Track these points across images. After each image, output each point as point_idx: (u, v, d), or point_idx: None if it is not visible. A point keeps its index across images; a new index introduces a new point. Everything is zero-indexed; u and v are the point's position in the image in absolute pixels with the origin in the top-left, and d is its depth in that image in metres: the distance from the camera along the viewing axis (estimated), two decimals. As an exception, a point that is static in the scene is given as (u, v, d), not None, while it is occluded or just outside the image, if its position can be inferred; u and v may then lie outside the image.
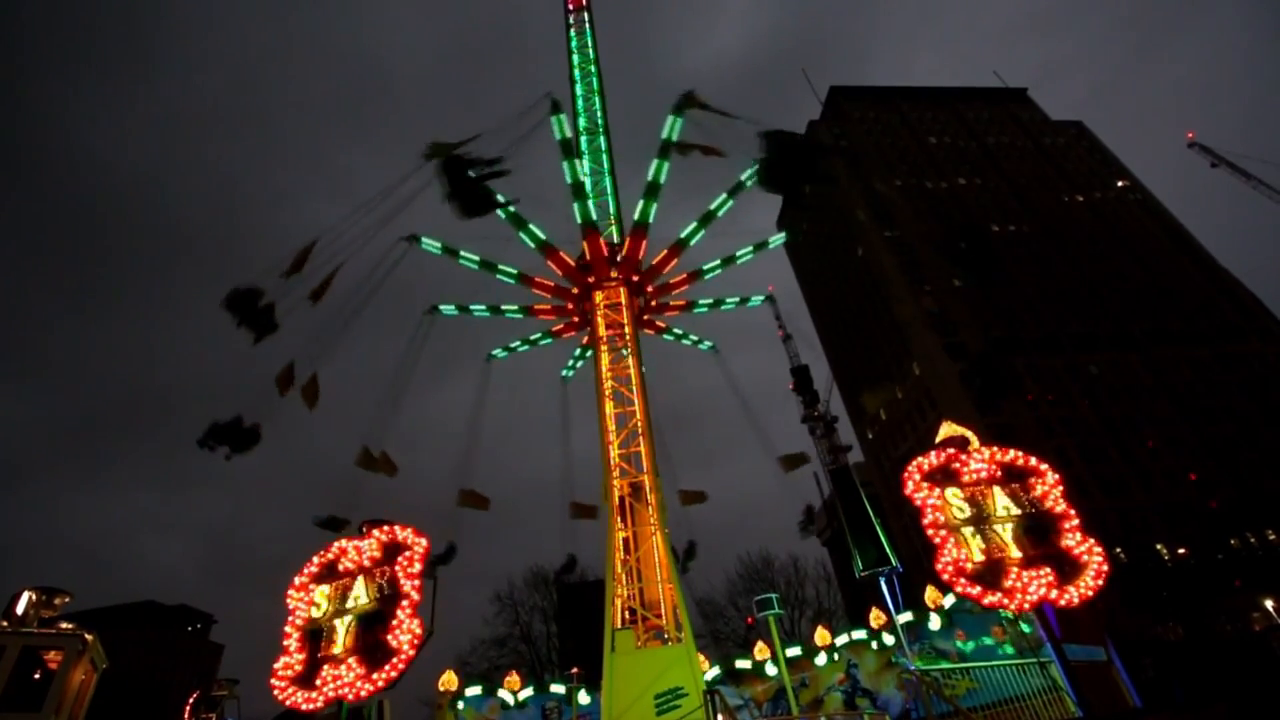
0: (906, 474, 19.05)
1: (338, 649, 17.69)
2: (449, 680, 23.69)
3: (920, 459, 19.29)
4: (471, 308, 29.81)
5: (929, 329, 78.24)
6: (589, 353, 32.21)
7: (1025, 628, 19.85)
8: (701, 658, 22.14)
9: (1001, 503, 18.26)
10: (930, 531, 17.85)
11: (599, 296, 27.92)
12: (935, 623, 20.93)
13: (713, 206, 27.44)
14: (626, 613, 21.94)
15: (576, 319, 29.89)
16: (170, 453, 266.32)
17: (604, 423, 25.13)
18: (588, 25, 34.41)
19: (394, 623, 17.59)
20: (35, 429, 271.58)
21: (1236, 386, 73.62)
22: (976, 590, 16.76)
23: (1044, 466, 18.95)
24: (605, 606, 20.85)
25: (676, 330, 32.87)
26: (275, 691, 17.29)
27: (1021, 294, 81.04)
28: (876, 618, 22.14)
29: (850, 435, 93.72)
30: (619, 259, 28.13)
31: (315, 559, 19.57)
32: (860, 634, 22.12)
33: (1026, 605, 16.60)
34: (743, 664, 23.08)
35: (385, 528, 19.52)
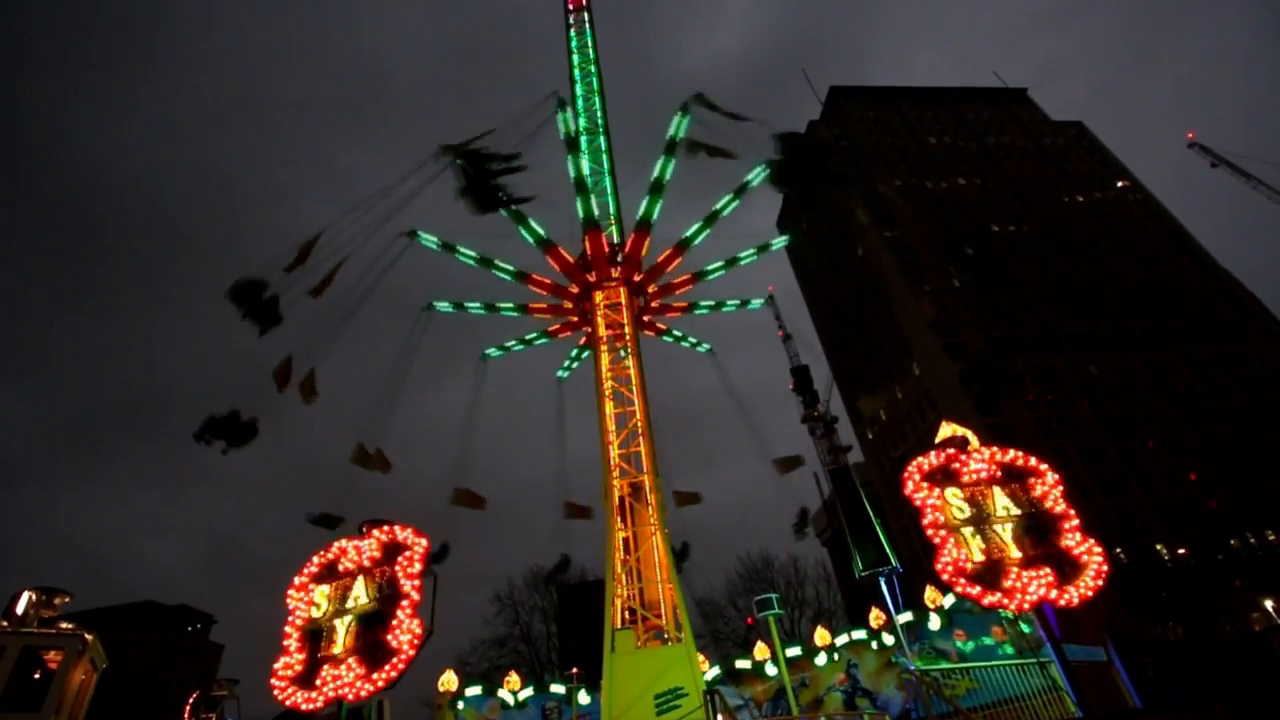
0: (906, 474, 19.05)
1: (338, 649, 17.69)
2: (449, 680, 23.69)
3: (920, 459, 19.29)
4: (467, 305, 29.81)
5: (929, 329, 78.23)
6: (585, 353, 32.23)
7: (1025, 628, 19.85)
8: (701, 658, 22.15)
9: (1001, 503, 18.26)
10: (930, 531, 17.85)
11: (599, 296, 27.92)
12: (935, 623, 20.93)
13: (717, 207, 27.46)
14: (626, 613, 21.95)
15: (575, 318, 29.89)
16: (170, 453, 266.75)
17: (604, 423, 25.14)
18: (588, 25, 34.43)
19: (394, 623, 17.59)
20: (35, 429, 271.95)
21: (1236, 386, 73.62)
22: (976, 590, 16.76)
23: (1044, 467, 18.95)
24: (605, 606, 20.86)
25: (676, 332, 32.86)
26: (275, 691, 17.29)
27: (1021, 294, 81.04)
28: (876, 618, 22.14)
29: (850, 435, 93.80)
30: (621, 257, 28.14)
31: (315, 559, 19.57)
32: (860, 634, 22.12)
33: (1026, 605, 16.60)
34: (742, 664, 23.09)
35: (385, 528, 19.53)
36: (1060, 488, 18.48)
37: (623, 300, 27.62)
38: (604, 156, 31.57)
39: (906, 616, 21.21)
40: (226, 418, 22.23)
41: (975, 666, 19.79)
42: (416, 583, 18.18)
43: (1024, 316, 79.28)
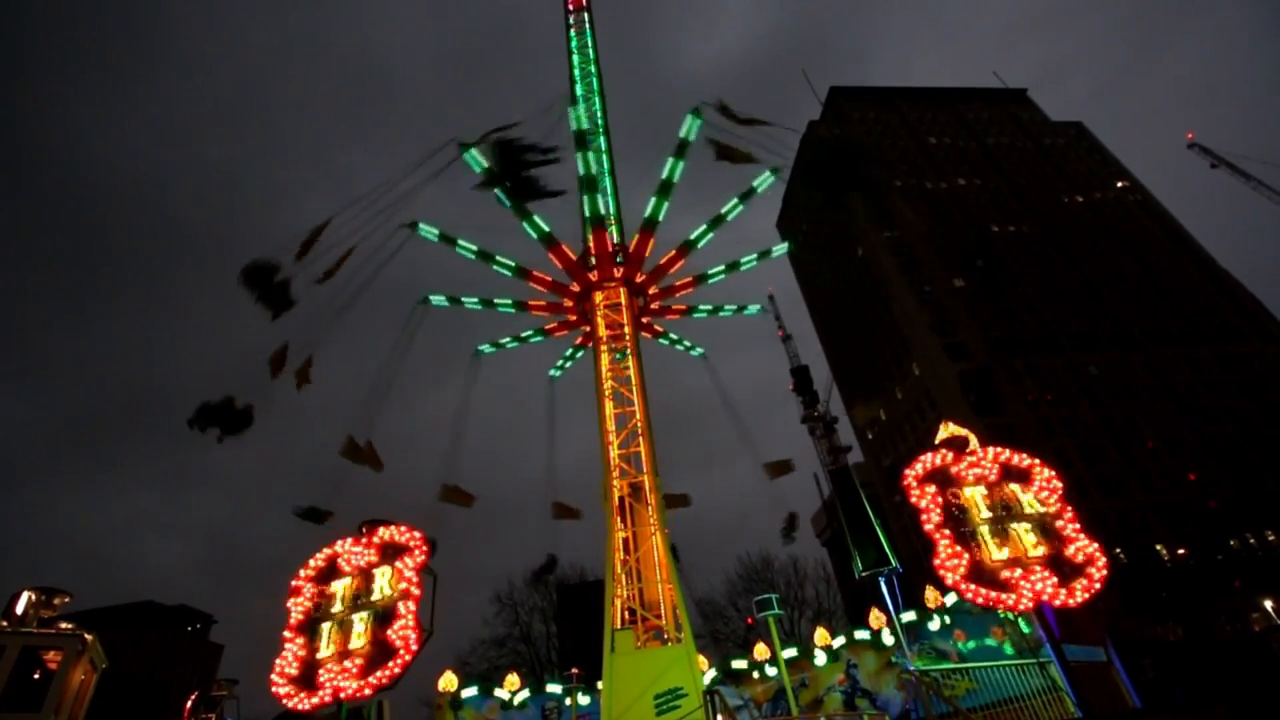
0: (906, 475, 19.07)
1: (337, 649, 17.71)
2: (449, 680, 23.70)
3: (920, 459, 19.32)
4: (464, 299, 29.80)
5: (929, 329, 78.23)
6: (580, 353, 32.28)
7: (1025, 628, 19.85)
8: (701, 658, 22.15)
9: (1001, 503, 18.29)
10: (930, 532, 17.87)
11: (599, 296, 27.94)
12: (935, 623, 20.94)
13: (723, 210, 27.68)
14: (626, 613, 21.95)
15: (574, 317, 29.92)
16: (170, 453, 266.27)
17: (604, 423, 25.15)
18: (588, 25, 34.47)
19: (393, 623, 17.61)
20: (35, 429, 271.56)
21: (1236, 387, 73.61)
22: (976, 590, 16.78)
23: (1044, 467, 18.98)
24: (605, 607, 20.87)
25: (672, 335, 32.93)
26: (275, 691, 17.31)
27: (1021, 294, 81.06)
28: (876, 618, 22.14)
29: (850, 436, 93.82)
30: (625, 256, 28.15)
31: (315, 559, 19.60)
32: (860, 634, 22.13)
33: (1026, 606, 16.62)
34: (741, 664, 23.10)
35: (385, 528, 19.55)
36: (1060, 488, 18.51)
37: (623, 301, 27.64)
38: (604, 157, 31.61)
39: (907, 617, 21.22)
40: (221, 405, 22.06)
41: (975, 667, 19.80)
42: (416, 583, 18.21)
43: (1024, 316, 79.28)
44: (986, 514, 18.00)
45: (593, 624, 22.01)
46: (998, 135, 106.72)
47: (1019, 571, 16.81)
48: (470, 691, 23.84)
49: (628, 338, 26.90)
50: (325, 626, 18.21)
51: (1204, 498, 63.77)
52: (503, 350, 32.21)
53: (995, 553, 17.28)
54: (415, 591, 18.04)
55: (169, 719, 55.86)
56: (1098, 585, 16.59)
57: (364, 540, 19.46)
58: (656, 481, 23.71)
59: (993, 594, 16.62)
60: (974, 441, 19.98)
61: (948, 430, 20.68)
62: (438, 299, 29.33)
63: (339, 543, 19.72)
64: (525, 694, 24.07)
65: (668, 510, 27.19)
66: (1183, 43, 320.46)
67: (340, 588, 18.84)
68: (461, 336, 34.00)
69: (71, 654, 22.14)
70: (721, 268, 29.78)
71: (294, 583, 19.18)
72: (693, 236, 27.99)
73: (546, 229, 27.08)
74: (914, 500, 18.56)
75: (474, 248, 27.91)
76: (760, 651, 23.26)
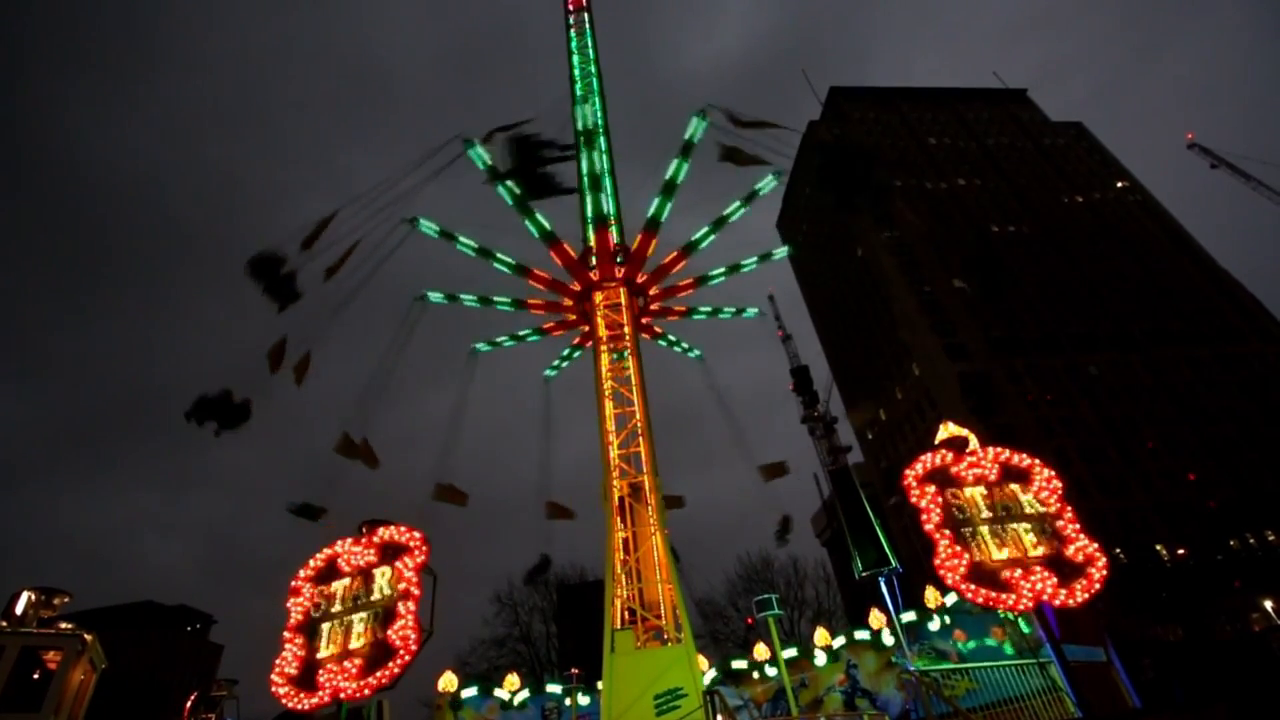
0: (906, 475, 19.07)
1: (337, 649, 17.71)
2: (448, 681, 23.70)
3: (920, 459, 19.32)
4: (461, 296, 29.80)
5: (929, 329, 78.22)
6: (577, 353, 32.29)
7: (1025, 628, 19.85)
8: (701, 658, 22.15)
9: (1001, 503, 18.28)
10: (930, 532, 17.87)
11: (599, 296, 27.95)
12: (935, 623, 20.94)
13: (726, 212, 27.76)
14: (626, 613, 21.94)
15: (573, 317, 29.92)
16: (170, 453, 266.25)
17: (604, 423, 25.14)
18: (588, 26, 34.46)
19: (393, 623, 17.61)
20: (35, 429, 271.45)
21: (1236, 387, 73.60)
22: (976, 590, 16.78)
23: (1044, 467, 18.97)
24: (605, 607, 20.87)
25: (671, 337, 32.96)
26: (275, 691, 17.30)
27: (1021, 294, 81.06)
28: (876, 618, 22.15)
29: (850, 436, 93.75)
30: (627, 255, 28.13)
31: (315, 559, 19.59)
32: (860, 634, 22.13)
33: (1026, 606, 16.61)
34: (741, 664, 23.10)
35: (385, 528, 19.54)
36: (1059, 488, 18.51)
37: (623, 301, 27.65)
38: (604, 157, 31.58)
39: (907, 617, 21.23)
40: (218, 398, 21.87)
41: (975, 667, 19.80)
42: (416, 583, 18.21)
43: (1024, 316, 79.27)
44: (986, 514, 18.00)
45: (593, 624, 22.01)
46: (998, 135, 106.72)
47: (1019, 571, 16.81)
48: (470, 692, 23.85)
49: (628, 338, 26.91)
50: (325, 627, 18.20)
51: (1204, 498, 63.76)
52: (502, 350, 32.23)
53: (995, 553, 17.28)
54: (415, 591, 18.04)
55: (169, 719, 55.86)
56: (1098, 585, 16.58)
57: (364, 540, 19.45)
58: (656, 482, 23.70)
59: (993, 594, 16.61)
60: (974, 441, 19.98)
61: (948, 430, 20.70)
62: (435, 295, 29.32)
63: (339, 543, 19.71)
64: (525, 694, 24.07)
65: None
66: (1183, 43, 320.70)
67: (340, 588, 18.83)
68: (462, 337, 33.95)
69: (71, 654, 22.13)
70: (722, 269, 29.81)
71: (294, 583, 19.17)
72: (695, 238, 28.03)
73: (548, 226, 27.09)
74: (914, 500, 18.56)
75: (473, 244, 27.92)
76: (760, 651, 23.27)
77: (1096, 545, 17.32)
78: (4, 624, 21.86)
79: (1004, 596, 16.56)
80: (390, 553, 18.94)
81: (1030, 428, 67.12)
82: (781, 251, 31.90)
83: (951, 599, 20.70)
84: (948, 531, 17.65)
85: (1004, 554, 17.24)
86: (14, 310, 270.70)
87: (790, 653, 21.86)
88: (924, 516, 18.12)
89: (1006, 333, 76.81)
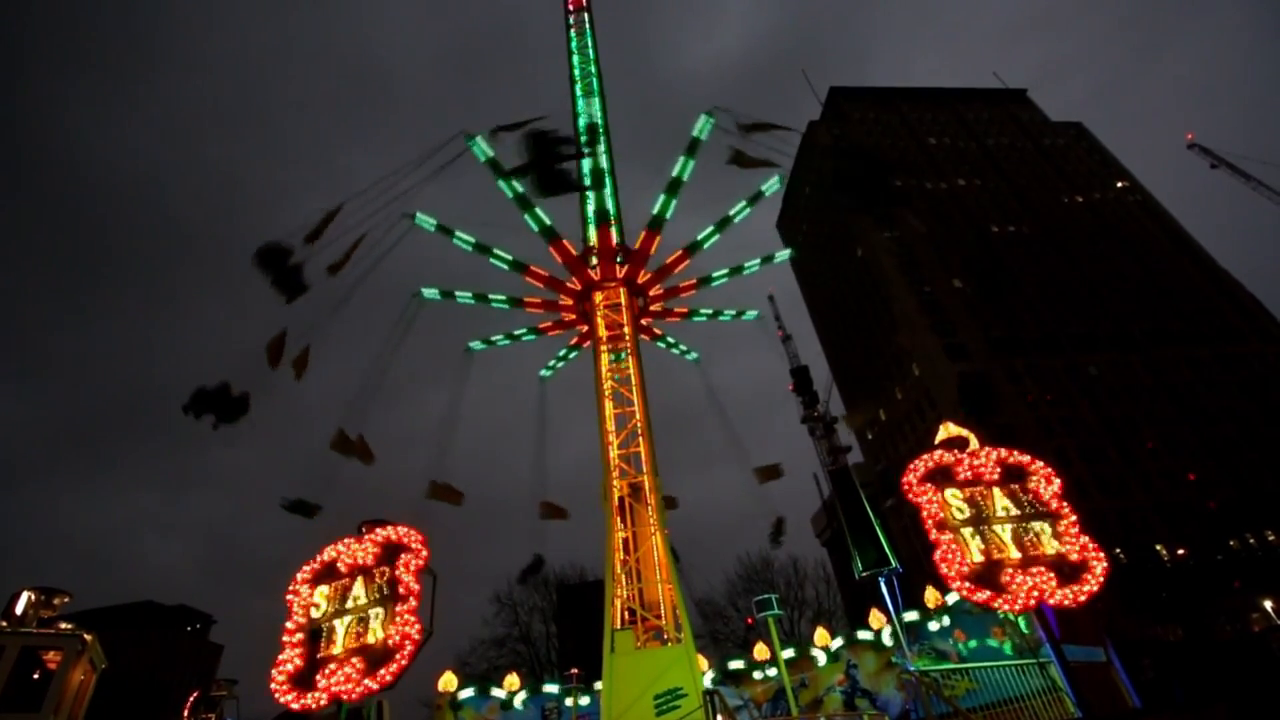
0: (906, 475, 19.07)
1: (337, 649, 17.70)
2: (448, 681, 23.68)
3: (919, 460, 19.32)
4: (457, 294, 29.79)
5: (929, 329, 78.23)
6: (573, 353, 32.30)
7: (1024, 628, 19.84)
8: (701, 658, 22.14)
9: (1000, 503, 18.29)
10: (930, 532, 17.87)
11: (599, 296, 27.94)
12: (935, 623, 20.93)
13: (731, 213, 27.84)
14: (626, 613, 21.94)
15: (573, 316, 29.91)
16: (170, 453, 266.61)
17: (604, 423, 25.14)
18: (588, 26, 34.46)
19: (393, 623, 17.60)
20: (35, 429, 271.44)
21: (1236, 387, 73.61)
22: (975, 590, 16.78)
23: (1043, 467, 18.97)
24: (605, 607, 20.87)
25: (669, 339, 32.98)
26: (275, 691, 17.29)
27: (1021, 294, 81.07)
28: (876, 618, 22.14)
29: (850, 436, 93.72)
30: (627, 255, 28.12)
31: (314, 559, 19.58)
32: (860, 635, 22.13)
33: (1026, 605, 16.61)
34: (741, 664, 23.07)
35: (384, 528, 19.54)
36: (1059, 488, 18.51)
37: (623, 301, 27.64)
38: (604, 157, 31.58)
39: (907, 617, 21.21)
40: (217, 391, 21.59)
41: (975, 667, 19.79)
42: (416, 583, 18.21)
43: (1024, 317, 79.28)
44: (986, 514, 18.01)
45: (592, 624, 22.01)
46: (998, 135, 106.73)
47: (1019, 571, 16.81)
48: (469, 692, 23.82)
49: (627, 338, 26.90)
50: (325, 627, 18.20)
51: (1204, 498, 63.77)
52: (505, 351, 32.29)
53: (995, 552, 17.29)
54: (415, 589, 18.04)
55: (168, 719, 55.84)
56: (1097, 585, 16.59)
57: (364, 540, 19.45)
58: (656, 482, 23.71)
59: (992, 594, 16.61)
60: (974, 442, 19.98)
61: (947, 430, 20.70)
62: (429, 292, 29.31)
63: (338, 543, 19.70)
64: (524, 694, 24.05)
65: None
66: (1183, 43, 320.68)
67: (340, 588, 18.84)
68: (463, 337, 33.96)
69: (71, 654, 22.13)
70: (725, 271, 29.89)
71: (293, 583, 19.17)
72: (700, 238, 28.06)
73: (549, 222, 27.06)
74: (914, 500, 18.56)
75: (471, 239, 27.90)
76: (760, 652, 23.25)
77: (1096, 545, 17.32)
78: (4, 624, 21.85)
79: (1004, 596, 16.56)
80: (390, 553, 18.93)
81: (1030, 428, 67.13)
82: (784, 254, 32.11)
83: (952, 599, 20.70)
84: (948, 531, 17.65)
85: (1004, 554, 17.25)
86: (14, 310, 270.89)
87: (790, 653, 21.85)
88: (924, 517, 18.12)
89: (1006, 333, 76.83)
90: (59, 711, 21.36)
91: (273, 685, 17.37)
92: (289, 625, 18.40)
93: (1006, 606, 16.98)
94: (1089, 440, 68.27)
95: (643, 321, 30.14)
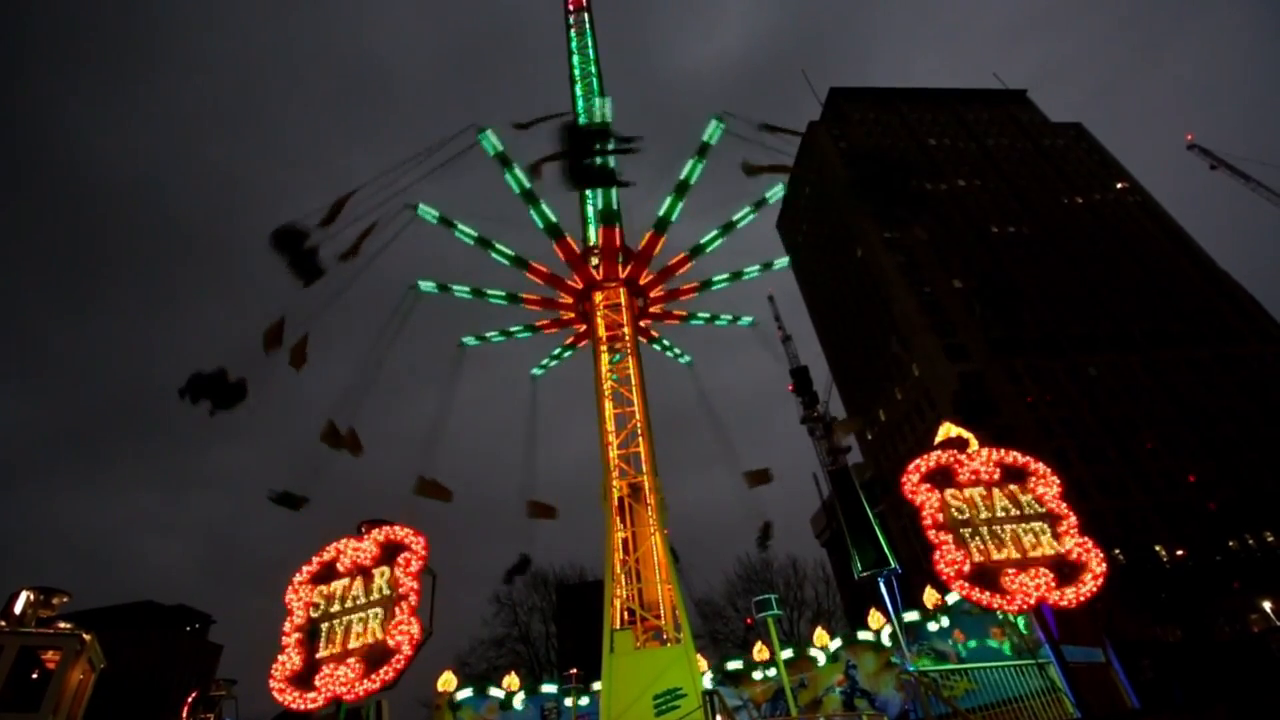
0: (905, 475, 19.07)
1: (336, 649, 17.69)
2: (447, 681, 23.67)
3: (919, 460, 19.32)
4: (454, 287, 29.77)
5: (929, 330, 78.23)
6: (568, 353, 32.29)
7: (1024, 628, 19.84)
8: (700, 659, 22.14)
9: (1000, 504, 18.29)
10: (929, 532, 17.86)
11: (599, 296, 27.94)
12: (935, 624, 20.92)
13: (735, 218, 27.99)
14: (625, 613, 21.94)
15: (571, 315, 29.91)
16: (170, 453, 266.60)
17: (603, 423, 25.14)
18: (588, 26, 34.48)
19: (392, 623, 17.60)
20: (35, 429, 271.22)
21: (1236, 388, 73.61)
22: (975, 591, 16.77)
23: (1043, 467, 18.97)
24: (604, 607, 20.86)
25: (665, 341, 33.05)
26: (274, 691, 17.28)
27: (1021, 295, 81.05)
28: (875, 619, 22.14)
29: (849, 436, 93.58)
30: (629, 255, 28.12)
31: (314, 559, 19.57)
32: (860, 635, 22.13)
33: (1023, 606, 16.60)
34: (740, 665, 23.06)
35: (384, 528, 19.53)
36: (1059, 488, 18.51)
37: (623, 301, 27.65)
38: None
39: (906, 617, 21.21)
40: (213, 376, 21.30)
41: (974, 667, 19.79)
42: (415, 583, 18.20)
43: (1024, 317, 79.27)
44: (986, 514, 18.01)
45: (592, 624, 22.01)
46: (997, 136, 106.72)
47: (1019, 571, 16.81)
48: (468, 692, 23.82)
49: (627, 338, 26.91)
50: (324, 627, 18.18)
51: (1203, 498, 63.76)
52: (507, 349, 32.42)
53: (995, 553, 17.29)
54: (414, 587, 18.04)
55: (167, 719, 55.81)
56: (1097, 586, 16.58)
57: (363, 540, 19.44)
58: (656, 482, 23.70)
59: (992, 594, 16.61)
60: (974, 443, 19.98)
61: (947, 431, 20.70)
62: (426, 285, 29.31)
63: (338, 543, 19.69)
64: (523, 694, 24.03)
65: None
66: (1183, 43, 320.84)
67: (339, 588, 18.82)
68: (463, 334, 33.93)
69: (70, 654, 22.09)
70: (726, 276, 30.04)
71: (293, 583, 19.16)
72: (703, 241, 28.12)
73: (554, 218, 27.04)
74: (913, 500, 18.56)
75: (473, 232, 27.88)
76: (759, 652, 23.25)
77: (1095, 546, 17.32)
78: (3, 624, 21.81)
79: (1004, 597, 16.56)
80: (389, 553, 18.93)
81: (1030, 429, 67.11)
82: (782, 261, 32.36)
83: (951, 599, 20.70)
84: (947, 531, 17.65)
85: (1003, 554, 17.25)
86: (14, 310, 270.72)
87: (789, 653, 21.85)
88: (923, 517, 18.12)
89: (1006, 333, 76.81)
90: (58, 711, 21.34)
91: (272, 685, 17.36)
92: (288, 625, 18.39)
93: (1006, 607, 16.98)
94: (1089, 441, 68.26)
95: (641, 323, 30.14)
